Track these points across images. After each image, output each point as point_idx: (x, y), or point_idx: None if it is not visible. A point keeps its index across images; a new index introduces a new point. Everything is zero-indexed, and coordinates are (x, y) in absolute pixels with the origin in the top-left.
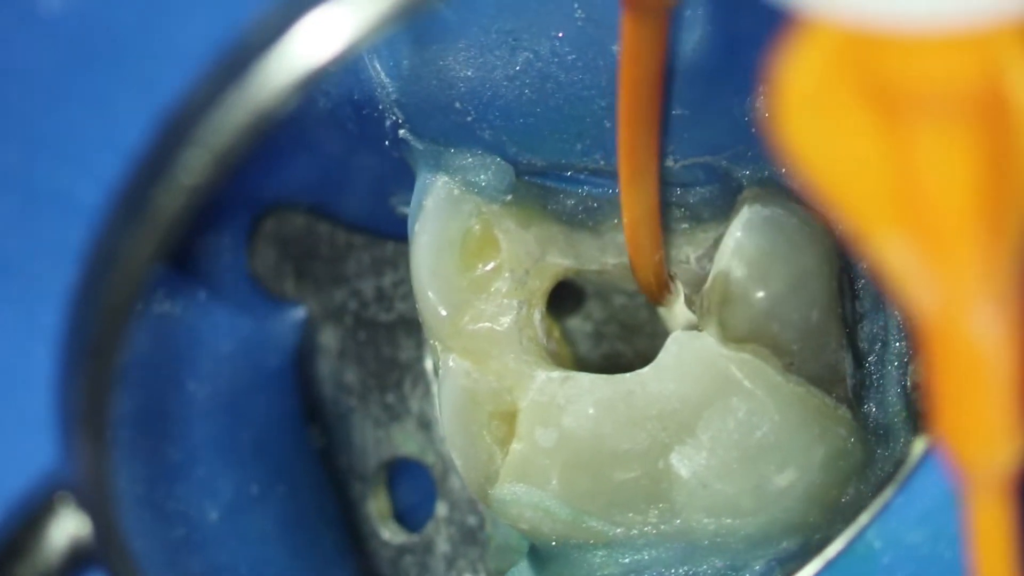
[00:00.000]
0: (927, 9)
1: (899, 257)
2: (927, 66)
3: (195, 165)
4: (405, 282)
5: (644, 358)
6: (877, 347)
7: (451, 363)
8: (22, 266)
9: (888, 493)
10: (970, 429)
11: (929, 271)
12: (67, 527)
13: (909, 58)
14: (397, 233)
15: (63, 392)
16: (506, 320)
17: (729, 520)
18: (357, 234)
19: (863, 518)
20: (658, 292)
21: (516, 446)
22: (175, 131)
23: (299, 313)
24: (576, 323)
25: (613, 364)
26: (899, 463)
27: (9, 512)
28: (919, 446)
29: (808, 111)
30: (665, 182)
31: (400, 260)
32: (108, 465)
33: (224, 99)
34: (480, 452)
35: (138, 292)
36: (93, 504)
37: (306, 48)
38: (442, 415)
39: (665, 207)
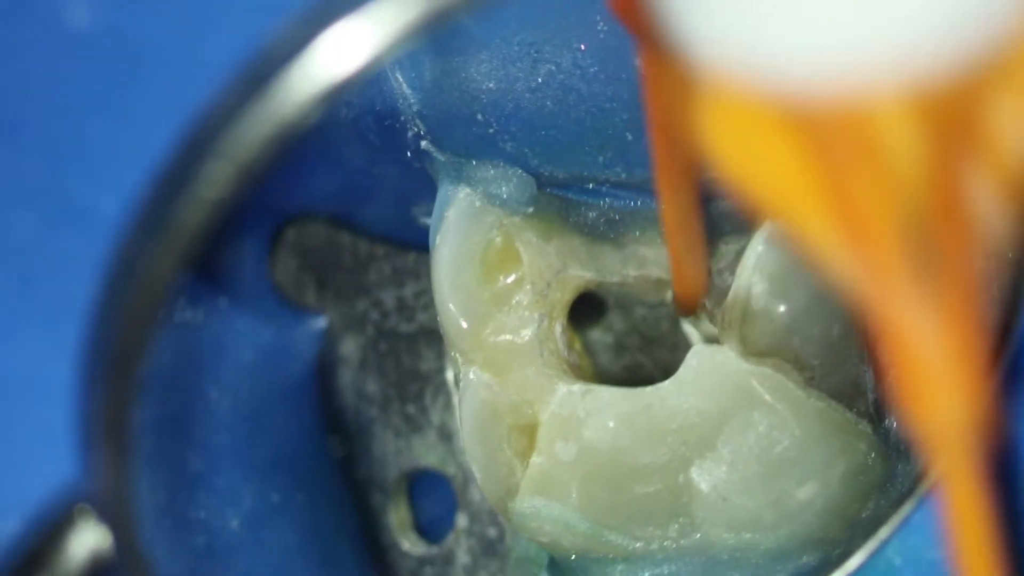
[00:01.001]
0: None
1: (830, 247)
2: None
3: (217, 178)
4: (426, 292)
5: (665, 370)
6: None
7: (472, 375)
8: (45, 279)
9: (908, 507)
10: (927, 395)
11: (857, 258)
12: (87, 540)
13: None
14: (418, 243)
15: (84, 404)
16: (527, 333)
17: (749, 535)
18: (378, 244)
19: (883, 532)
20: (693, 302)
21: (536, 459)
22: (198, 143)
23: (320, 323)
24: (597, 335)
25: (634, 376)
26: (918, 478)
27: (29, 525)
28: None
29: (736, 132)
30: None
31: (422, 270)
32: (129, 478)
33: (247, 112)
34: (500, 465)
35: (160, 305)
36: (113, 517)
37: (329, 61)
38: (462, 427)
39: None
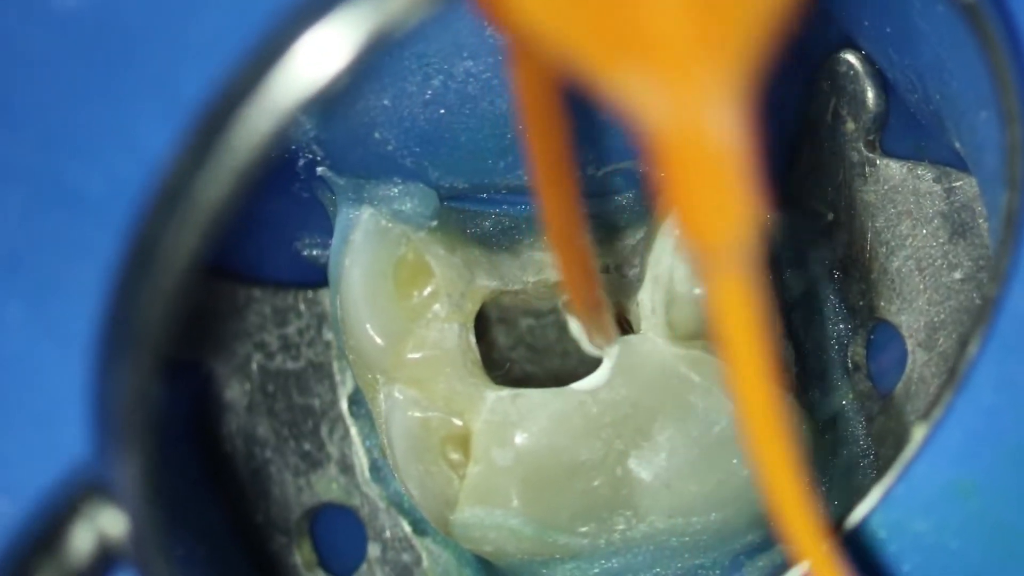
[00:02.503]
0: None
1: (623, 78)
2: None
3: (239, 149)
4: (311, 328)
5: (556, 377)
6: (814, 333)
7: (396, 394)
8: (33, 261)
9: (890, 480)
10: (704, 212)
11: (655, 87)
12: (95, 525)
13: None
14: (299, 279)
15: (101, 388)
16: (448, 344)
17: (695, 517)
18: (256, 286)
19: (865, 505)
20: (591, 297)
21: (473, 468)
22: (217, 117)
23: (200, 372)
24: (481, 349)
25: (525, 386)
26: (852, 445)
27: (36, 509)
28: (919, 433)
29: None
30: (584, 194)
31: (302, 306)
32: (151, 462)
33: (263, 88)
34: (437, 479)
35: (185, 283)
36: (129, 499)
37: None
38: (392, 449)
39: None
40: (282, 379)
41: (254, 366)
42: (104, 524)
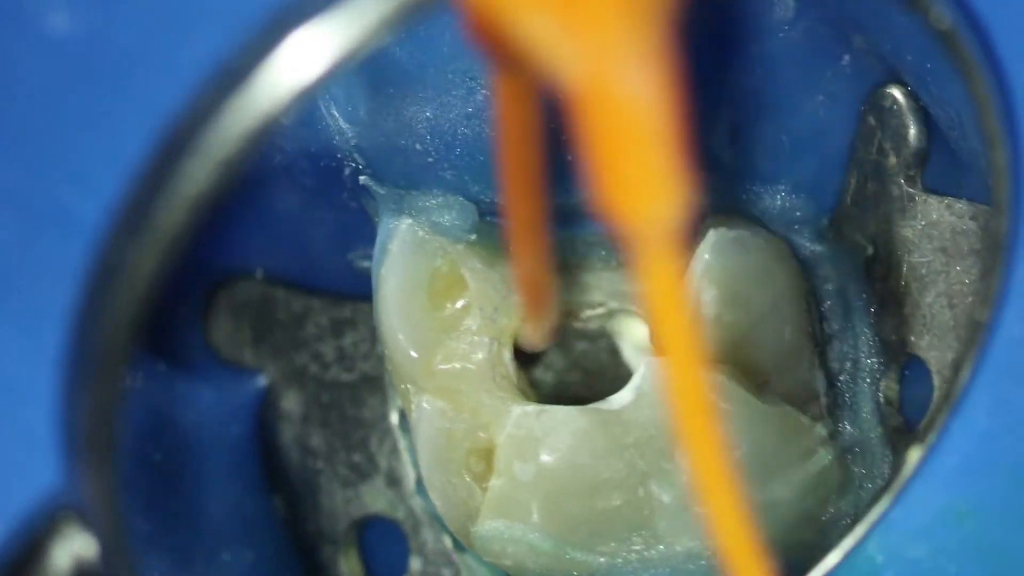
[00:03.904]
0: None
1: (537, 26)
2: None
3: (197, 174)
4: (366, 340)
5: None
6: (848, 366)
7: (425, 404)
8: (23, 285)
9: (886, 504)
10: (630, 187)
11: (569, 36)
12: (70, 546)
13: None
14: (356, 291)
15: (67, 410)
16: (478, 357)
17: (713, 542)
18: (314, 297)
19: (859, 530)
20: (543, 332)
21: (495, 482)
22: (176, 141)
23: (259, 381)
24: (539, 373)
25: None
26: (890, 475)
27: (12, 532)
28: (914, 456)
29: None
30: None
31: (359, 319)
32: (115, 483)
33: (223, 108)
34: (459, 490)
35: (144, 305)
36: (98, 522)
37: (303, 59)
38: (419, 458)
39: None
40: (336, 390)
41: (310, 376)
42: (81, 546)
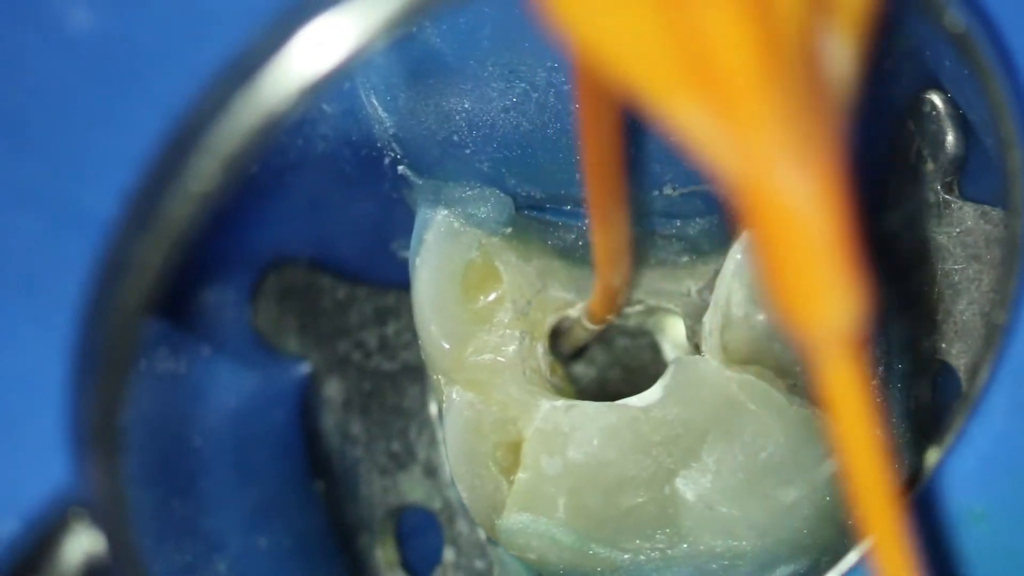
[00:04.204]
0: None
1: (697, 124)
2: None
3: (204, 172)
4: (408, 330)
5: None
6: (880, 370)
7: (455, 395)
8: (45, 283)
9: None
10: (804, 294)
11: (728, 135)
12: (82, 543)
13: None
14: (399, 280)
15: (75, 406)
16: (509, 350)
17: (736, 542)
18: (359, 285)
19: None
20: (605, 314)
21: (522, 475)
22: (184, 138)
23: (303, 367)
24: (580, 368)
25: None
26: (911, 480)
27: (25, 528)
28: (932, 457)
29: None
30: (665, 214)
31: (403, 308)
32: (122, 480)
33: (232, 106)
34: (486, 483)
35: (150, 302)
36: (107, 520)
37: (310, 56)
38: (447, 448)
39: (665, 240)
40: (377, 379)
41: (352, 364)
42: (92, 542)
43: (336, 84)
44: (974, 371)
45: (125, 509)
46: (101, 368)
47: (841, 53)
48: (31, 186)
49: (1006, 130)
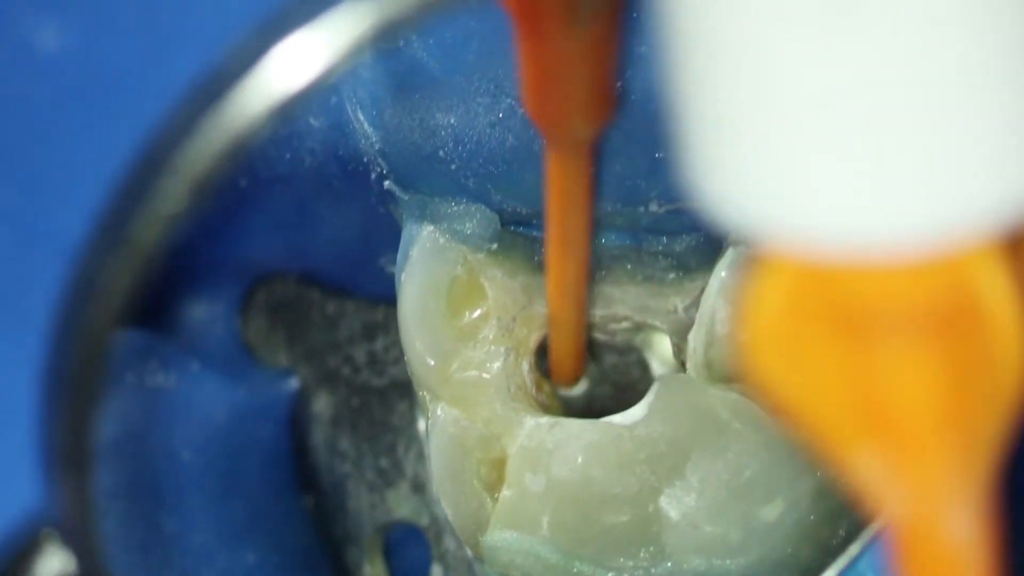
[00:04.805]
0: (881, 238)
1: (871, 468)
2: (887, 288)
3: (172, 194)
4: (397, 345)
5: None
6: None
7: (439, 412)
8: (13, 301)
9: (880, 523)
10: None
11: (901, 480)
12: (53, 565)
13: (868, 282)
14: (387, 295)
15: (44, 427)
16: (494, 367)
17: (719, 560)
18: (348, 300)
19: (853, 549)
20: (571, 374)
21: (506, 492)
22: (153, 159)
23: (292, 382)
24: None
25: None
26: None
27: None
28: None
29: (775, 340)
30: (652, 231)
31: (391, 323)
32: (92, 501)
33: (201, 127)
34: (470, 499)
35: (118, 324)
36: (77, 542)
37: (282, 74)
38: (432, 464)
39: (652, 256)
40: (366, 394)
41: (341, 379)
42: (64, 563)
43: (308, 104)
44: None
45: (96, 530)
46: (70, 389)
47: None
48: (1, 205)
49: None
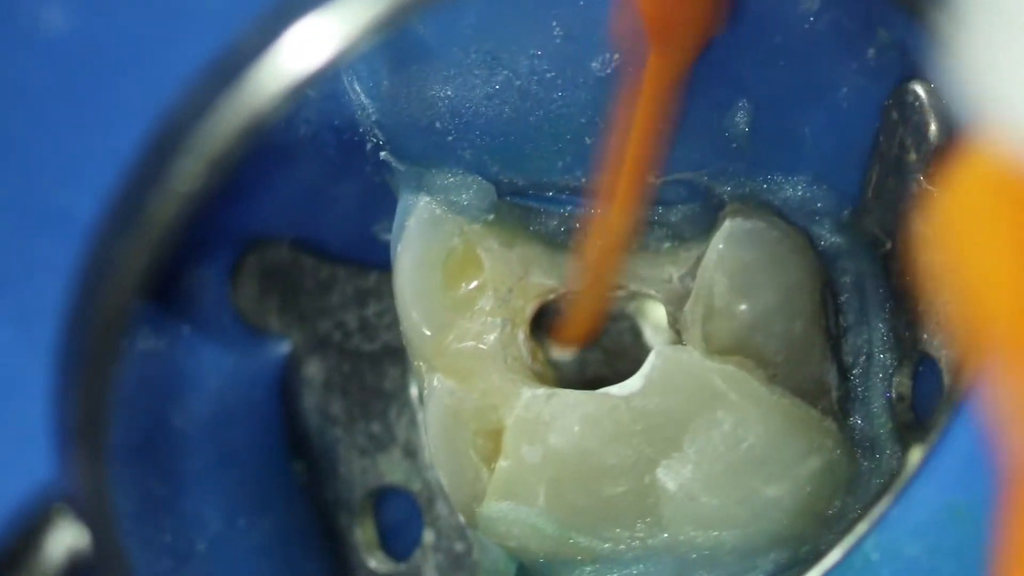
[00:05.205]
0: None
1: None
2: None
3: (188, 172)
4: (389, 311)
5: None
6: (861, 360)
7: (436, 383)
8: (20, 283)
9: (885, 504)
10: None
11: None
12: (65, 538)
13: None
14: (380, 262)
15: (60, 403)
16: (490, 338)
17: (716, 532)
18: (340, 265)
19: (860, 528)
20: (591, 331)
21: (502, 463)
22: (168, 138)
23: (283, 347)
24: (559, 351)
25: (596, 387)
26: (893, 474)
27: (6, 523)
28: (915, 456)
29: (965, 228)
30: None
31: (384, 289)
32: (106, 476)
33: (217, 106)
34: (466, 470)
35: (134, 301)
36: (92, 516)
37: (297, 56)
38: (428, 435)
39: (647, 226)
40: (357, 360)
41: (333, 344)
42: (75, 538)
43: (322, 83)
44: (959, 369)
45: (110, 504)
46: (86, 368)
47: None
48: (5, 187)
49: None
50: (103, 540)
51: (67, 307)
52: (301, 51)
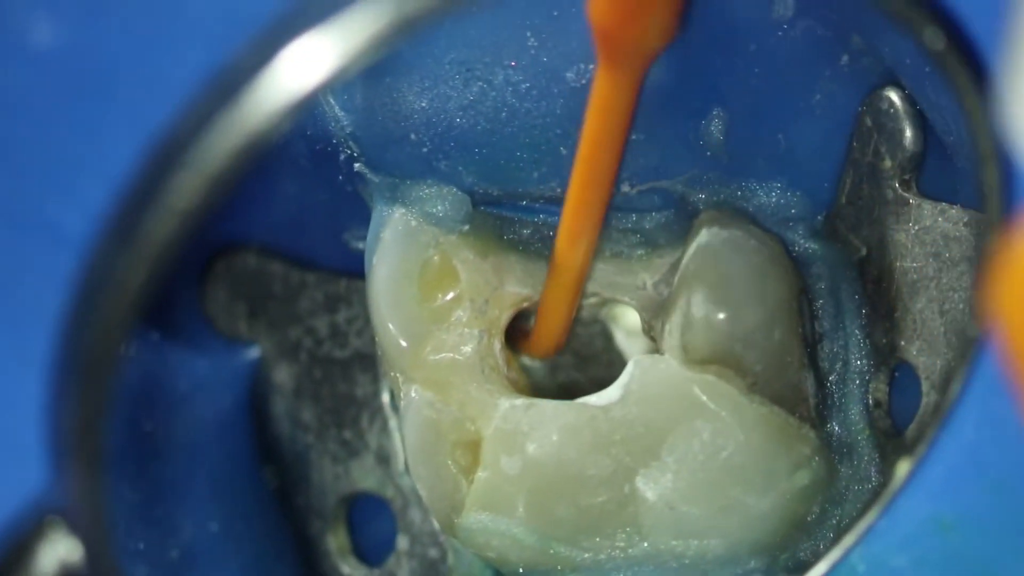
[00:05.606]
0: None
1: None
2: None
3: (186, 189)
4: (359, 318)
5: (600, 386)
6: (838, 366)
7: (413, 394)
8: (10, 294)
9: (872, 515)
10: None
11: None
12: (57, 551)
13: None
14: (350, 269)
15: (55, 416)
16: (467, 349)
17: (696, 541)
18: (309, 272)
19: (847, 540)
20: (554, 344)
21: (481, 474)
22: (166, 155)
23: (253, 353)
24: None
25: (569, 393)
26: (872, 481)
27: None
28: (903, 468)
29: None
30: (621, 208)
31: (354, 296)
32: (102, 487)
33: (214, 124)
34: (445, 482)
35: (132, 315)
36: (85, 527)
37: (293, 74)
38: (406, 447)
39: (621, 233)
40: (328, 366)
41: (303, 351)
42: (67, 550)
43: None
44: (946, 381)
45: (105, 517)
46: (83, 381)
47: None
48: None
49: (983, 147)
50: (97, 552)
51: (64, 321)
52: (298, 70)
